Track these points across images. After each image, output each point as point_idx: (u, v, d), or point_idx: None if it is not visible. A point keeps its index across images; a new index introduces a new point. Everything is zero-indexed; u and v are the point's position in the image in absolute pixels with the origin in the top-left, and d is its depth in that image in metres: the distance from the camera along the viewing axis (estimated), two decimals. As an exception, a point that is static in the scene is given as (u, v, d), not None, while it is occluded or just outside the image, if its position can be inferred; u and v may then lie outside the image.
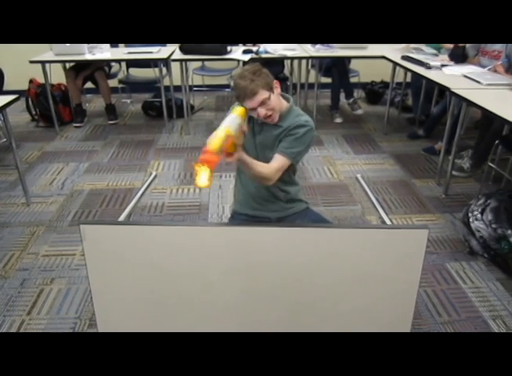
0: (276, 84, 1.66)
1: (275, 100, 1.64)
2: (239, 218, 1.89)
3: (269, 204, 1.83)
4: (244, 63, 4.05)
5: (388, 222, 2.30)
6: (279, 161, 1.64)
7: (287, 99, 1.75)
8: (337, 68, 4.35)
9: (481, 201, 2.47)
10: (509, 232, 2.23)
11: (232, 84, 1.71)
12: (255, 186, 1.79)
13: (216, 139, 1.36)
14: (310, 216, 1.91)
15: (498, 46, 3.28)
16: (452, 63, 3.44)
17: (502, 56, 3.26)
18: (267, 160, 1.66)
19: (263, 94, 1.58)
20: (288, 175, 1.77)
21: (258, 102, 1.59)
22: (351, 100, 4.55)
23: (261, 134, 1.74)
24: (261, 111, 1.61)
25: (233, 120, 1.51)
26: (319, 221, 1.92)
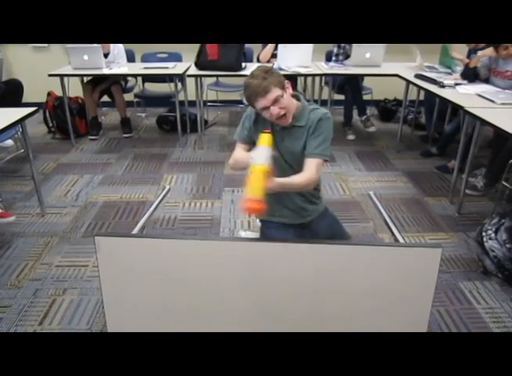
0: (288, 84, 1.65)
1: (288, 99, 1.63)
2: (272, 225, 1.91)
3: (303, 211, 1.88)
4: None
5: (401, 240, 2.29)
6: (314, 163, 1.65)
7: (297, 97, 1.74)
8: (350, 85, 4.38)
9: (495, 220, 2.45)
10: (523, 252, 2.20)
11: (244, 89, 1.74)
12: (290, 200, 1.83)
13: (256, 184, 1.34)
14: (329, 216, 2.04)
15: (510, 66, 3.28)
16: (465, 81, 3.45)
17: None
18: (299, 163, 1.68)
19: (276, 92, 1.57)
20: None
21: (271, 100, 1.57)
22: (363, 117, 4.57)
23: (284, 141, 1.72)
24: (274, 110, 1.59)
25: (265, 152, 1.46)
26: (335, 223, 2.07)
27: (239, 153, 1.77)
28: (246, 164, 1.56)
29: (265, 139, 1.51)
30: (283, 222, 1.87)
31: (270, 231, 1.93)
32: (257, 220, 2.57)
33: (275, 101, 1.58)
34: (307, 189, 1.73)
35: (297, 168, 1.69)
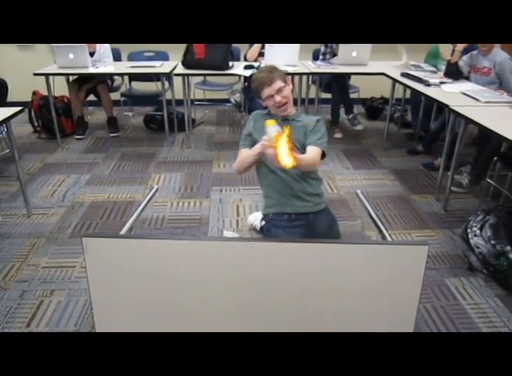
0: (289, 81, 1.99)
1: (289, 91, 1.94)
2: (280, 224, 2.03)
3: (307, 199, 2.04)
4: (245, 78, 4.11)
5: (388, 238, 2.31)
6: (316, 150, 1.95)
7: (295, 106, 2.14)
8: (337, 84, 4.40)
9: (479, 217, 2.48)
10: (508, 248, 2.24)
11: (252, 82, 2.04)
12: (296, 185, 2.01)
13: (285, 143, 1.61)
14: (330, 216, 2.17)
15: (487, 63, 3.34)
16: (450, 80, 3.49)
17: (491, 73, 3.31)
18: (298, 151, 1.93)
19: (279, 83, 1.90)
20: (317, 170, 2.09)
21: (275, 89, 1.89)
22: (350, 116, 4.60)
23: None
24: (277, 97, 1.91)
25: (277, 127, 1.75)
26: (334, 224, 2.20)
27: (243, 153, 2.05)
28: (254, 158, 1.92)
29: (271, 122, 1.79)
30: (298, 211, 2.03)
31: (277, 231, 2.02)
32: (262, 222, 2.59)
33: (279, 91, 1.90)
34: (311, 168, 1.99)
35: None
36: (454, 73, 3.51)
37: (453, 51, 3.73)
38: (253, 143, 2.02)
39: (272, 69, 1.95)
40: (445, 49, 3.93)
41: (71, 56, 3.92)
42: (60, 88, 4.38)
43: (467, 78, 3.53)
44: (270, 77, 1.89)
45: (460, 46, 3.41)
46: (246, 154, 2.02)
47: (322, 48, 4.43)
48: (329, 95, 4.52)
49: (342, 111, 4.61)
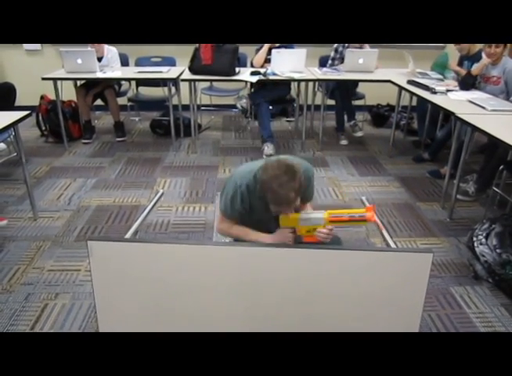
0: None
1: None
2: None
3: None
4: (252, 84, 4.12)
5: (393, 245, 2.31)
6: (312, 205, 1.96)
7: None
8: (340, 90, 4.40)
9: (485, 226, 2.47)
10: (514, 257, 2.23)
11: (262, 184, 1.62)
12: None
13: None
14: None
15: (496, 72, 3.33)
16: (457, 88, 3.49)
17: (500, 82, 3.31)
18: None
19: (297, 201, 1.61)
20: None
21: (292, 208, 1.65)
22: (352, 122, 4.59)
23: None
24: (288, 211, 1.67)
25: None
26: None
27: (236, 228, 1.84)
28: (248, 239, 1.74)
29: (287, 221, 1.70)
30: None
31: None
32: None
33: (293, 207, 1.65)
34: None
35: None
36: (472, 84, 3.49)
37: (461, 59, 3.74)
38: (240, 217, 1.81)
39: (295, 182, 1.53)
40: (454, 60, 3.92)
41: (79, 60, 3.95)
42: (68, 93, 4.41)
43: (477, 88, 3.52)
44: (293, 199, 1.56)
45: (487, 60, 3.36)
46: (247, 234, 1.78)
47: (332, 53, 4.43)
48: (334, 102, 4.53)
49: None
